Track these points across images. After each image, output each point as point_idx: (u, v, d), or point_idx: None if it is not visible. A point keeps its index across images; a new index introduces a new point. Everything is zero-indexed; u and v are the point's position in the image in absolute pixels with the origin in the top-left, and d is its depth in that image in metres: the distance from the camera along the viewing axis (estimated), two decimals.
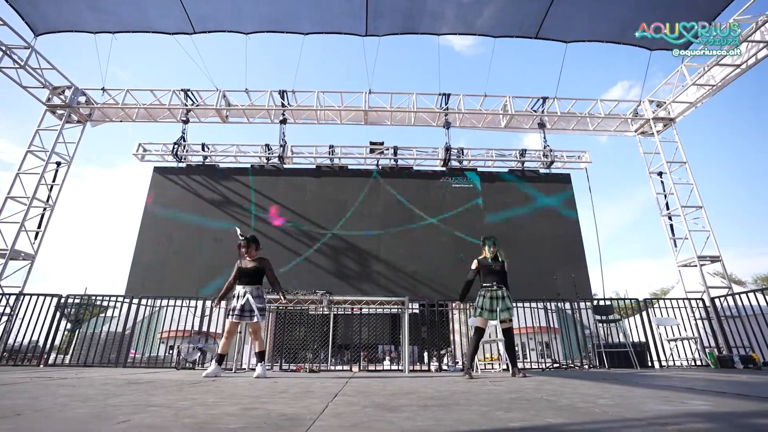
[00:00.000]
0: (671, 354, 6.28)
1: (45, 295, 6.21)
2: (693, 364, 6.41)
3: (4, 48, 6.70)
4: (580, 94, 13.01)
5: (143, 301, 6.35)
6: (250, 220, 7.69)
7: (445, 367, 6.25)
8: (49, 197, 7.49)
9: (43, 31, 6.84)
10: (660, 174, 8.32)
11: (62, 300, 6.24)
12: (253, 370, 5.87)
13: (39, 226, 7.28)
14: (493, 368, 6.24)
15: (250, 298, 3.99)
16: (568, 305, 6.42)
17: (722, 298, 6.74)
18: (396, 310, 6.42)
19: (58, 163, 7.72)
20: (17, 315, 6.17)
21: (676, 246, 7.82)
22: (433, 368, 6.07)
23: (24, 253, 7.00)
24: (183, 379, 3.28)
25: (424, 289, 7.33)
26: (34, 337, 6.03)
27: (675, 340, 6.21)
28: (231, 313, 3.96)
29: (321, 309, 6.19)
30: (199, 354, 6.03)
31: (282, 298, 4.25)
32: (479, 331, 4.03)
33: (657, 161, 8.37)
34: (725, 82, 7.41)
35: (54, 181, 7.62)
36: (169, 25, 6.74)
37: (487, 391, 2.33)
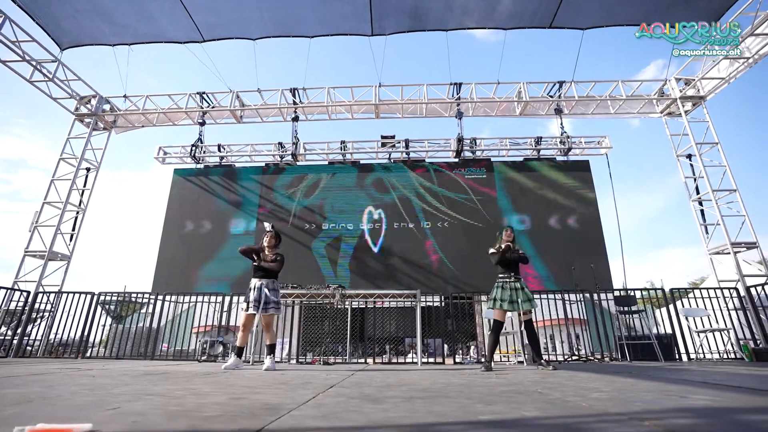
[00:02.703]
0: (701, 346, 5.96)
1: (81, 293, 6.68)
2: (726, 357, 6.06)
3: (34, 63, 7.13)
4: (607, 77, 12.38)
5: (167, 298, 6.71)
6: (266, 217, 7.88)
7: (467, 360, 6.22)
8: (80, 201, 7.96)
9: (67, 45, 7.23)
10: (689, 156, 7.85)
11: (95, 297, 6.68)
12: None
13: (73, 229, 7.77)
14: (509, 361, 6.15)
15: (266, 290, 4.08)
16: (587, 296, 6.22)
17: (760, 287, 6.32)
18: (416, 303, 6.42)
19: (88, 169, 8.18)
20: (57, 311, 6.69)
21: (707, 232, 7.38)
22: (451, 361, 6.05)
23: (61, 254, 7.49)
24: (197, 371, 3.43)
25: (441, 282, 7.29)
26: (72, 332, 6.49)
27: (704, 331, 5.89)
28: (246, 305, 4.06)
29: (337, 303, 6.28)
30: (222, 347, 6.30)
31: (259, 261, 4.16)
32: (498, 324, 3.96)
33: (685, 143, 7.90)
34: (762, 53, 6.86)
35: (85, 186, 8.08)
36: (180, 35, 6.97)
37: (484, 384, 2.30)
